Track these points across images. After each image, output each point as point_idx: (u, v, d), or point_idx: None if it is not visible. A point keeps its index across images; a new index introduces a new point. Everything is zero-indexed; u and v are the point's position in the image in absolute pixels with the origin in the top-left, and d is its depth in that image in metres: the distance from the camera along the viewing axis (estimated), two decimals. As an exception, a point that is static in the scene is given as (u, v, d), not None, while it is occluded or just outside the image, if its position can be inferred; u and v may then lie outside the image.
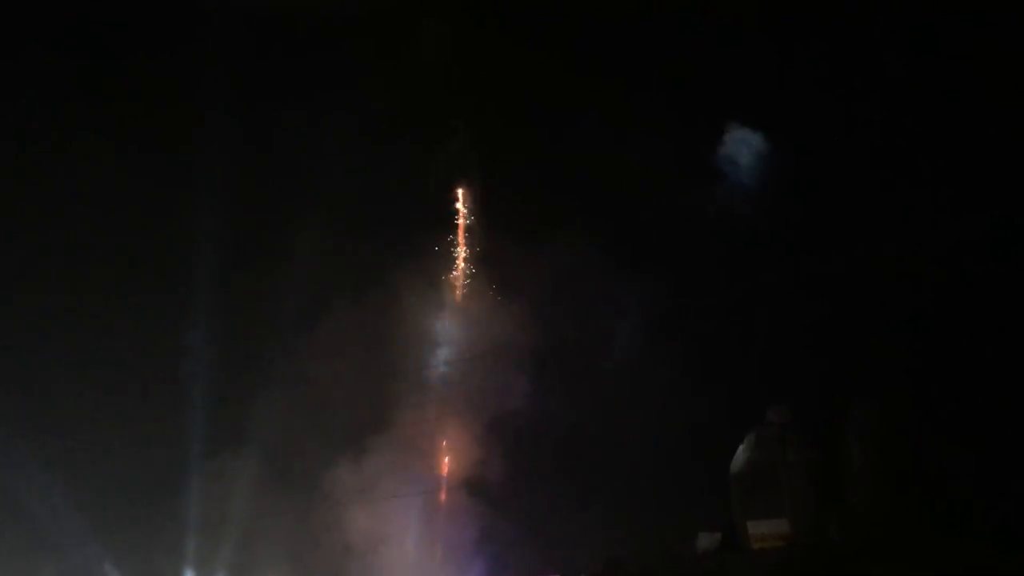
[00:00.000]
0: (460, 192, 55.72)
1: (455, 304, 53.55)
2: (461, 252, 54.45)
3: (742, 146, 52.49)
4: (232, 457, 51.28)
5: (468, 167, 55.58)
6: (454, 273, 54.14)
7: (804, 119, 49.62)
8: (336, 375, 49.74)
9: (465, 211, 55.47)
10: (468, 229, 54.87)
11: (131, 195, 55.99)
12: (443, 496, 50.20)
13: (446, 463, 51.14)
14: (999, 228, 43.07)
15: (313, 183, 54.50)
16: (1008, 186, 44.73)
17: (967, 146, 46.57)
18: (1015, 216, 42.78)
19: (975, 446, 41.62)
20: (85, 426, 52.13)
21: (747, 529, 43.92)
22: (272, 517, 50.37)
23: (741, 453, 45.45)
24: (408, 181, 55.41)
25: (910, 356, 44.22)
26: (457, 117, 55.26)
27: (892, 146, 48.03)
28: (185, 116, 57.01)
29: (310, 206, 53.59)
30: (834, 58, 50.48)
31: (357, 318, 51.04)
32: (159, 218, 56.77)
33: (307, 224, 52.61)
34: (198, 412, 51.60)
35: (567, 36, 55.18)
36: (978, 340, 43.61)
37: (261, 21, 54.12)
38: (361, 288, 51.81)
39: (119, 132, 57.21)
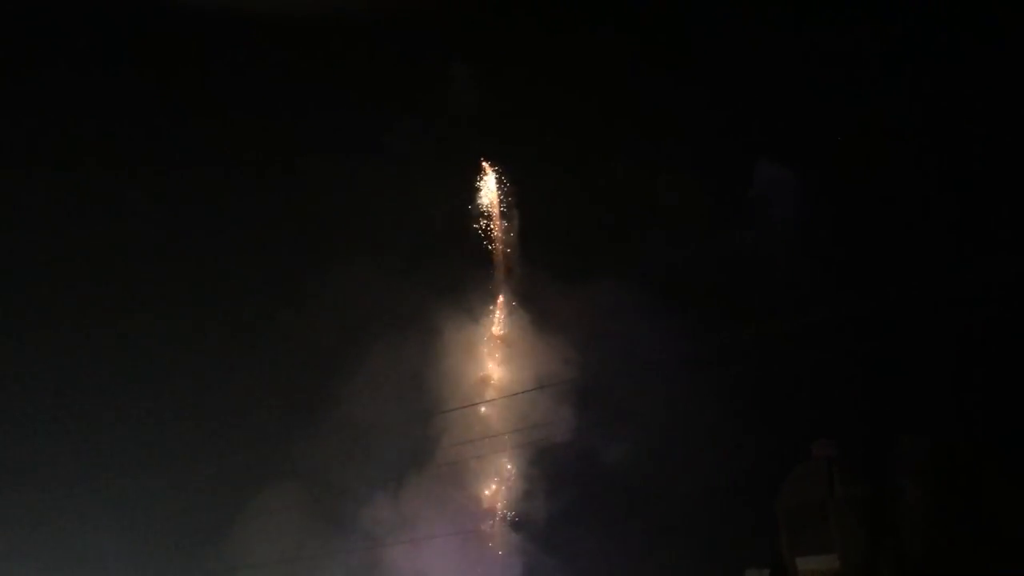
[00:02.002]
0: (498, 225, 55.99)
1: (497, 339, 53.61)
2: (501, 286, 54.63)
3: (782, 182, 52.53)
4: (274, 495, 51.38)
5: (508, 202, 56.13)
6: (496, 308, 54.23)
7: (848, 151, 49.82)
8: (378, 411, 49.85)
9: (504, 247, 55.74)
10: (508, 265, 55.06)
11: (177, 238, 56.88)
12: (488, 533, 49.83)
13: (491, 500, 50.89)
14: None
15: (353, 220, 55.23)
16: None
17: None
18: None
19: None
20: (130, 465, 52.60)
21: (796, 565, 43.26)
22: (314, 556, 50.32)
23: (788, 488, 44.90)
24: (448, 217, 56.17)
25: (961, 388, 43.64)
26: (493, 155, 56.03)
27: (938, 174, 47.75)
28: (227, 160, 58.03)
29: (350, 242, 54.37)
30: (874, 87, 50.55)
31: (398, 353, 51.31)
32: (203, 258, 57.39)
33: (347, 260, 53.23)
34: (240, 450, 51.83)
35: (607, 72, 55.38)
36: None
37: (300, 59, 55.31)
38: (403, 323, 52.16)
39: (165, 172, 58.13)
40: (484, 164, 56.17)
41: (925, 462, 43.05)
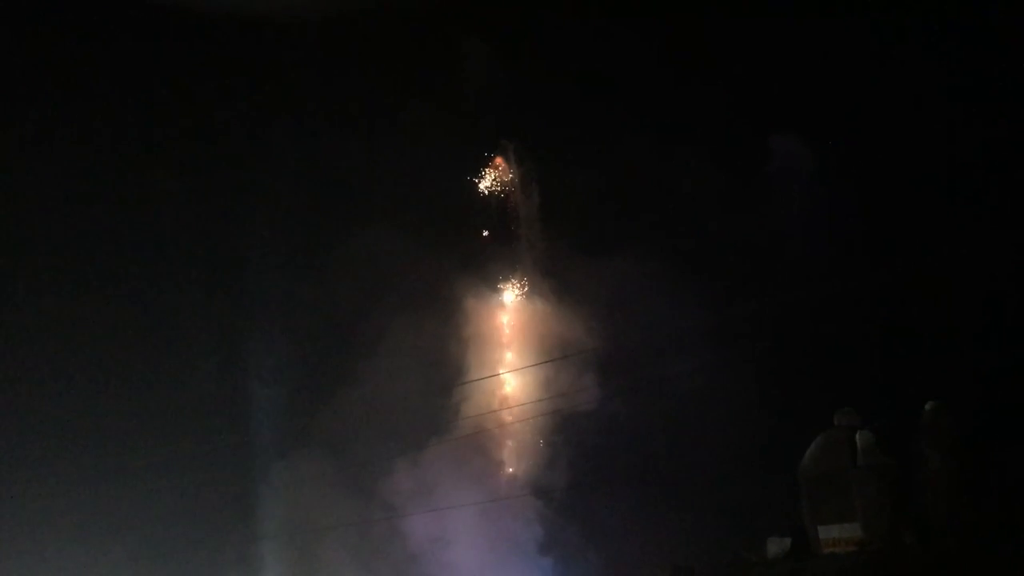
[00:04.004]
0: (517, 199, 56.05)
1: (518, 309, 53.75)
2: (521, 258, 54.74)
3: (800, 154, 52.39)
4: (296, 463, 51.84)
5: (526, 177, 56.13)
6: (516, 279, 54.42)
7: (868, 121, 49.55)
8: (399, 379, 50.19)
9: (524, 220, 55.81)
10: (528, 237, 55.14)
11: (193, 206, 57.23)
12: (508, 500, 50.07)
13: (511, 467, 51.17)
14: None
15: (372, 196, 55.52)
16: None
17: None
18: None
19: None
20: (155, 437, 53.21)
21: (818, 534, 43.22)
22: (336, 524, 50.78)
23: (809, 457, 44.72)
24: (467, 192, 56.31)
25: (984, 356, 43.46)
26: (511, 129, 56.15)
27: (959, 145, 47.46)
28: (241, 132, 58.30)
29: (369, 217, 54.59)
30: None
31: (419, 324, 51.60)
32: (220, 228, 57.79)
33: (366, 235, 53.48)
34: (262, 420, 52.34)
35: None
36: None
37: (328, 30, 55.36)
38: (423, 295, 52.39)
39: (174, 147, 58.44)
40: (503, 140, 56.32)
41: (948, 431, 42.92)
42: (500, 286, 54.17)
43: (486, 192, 55.52)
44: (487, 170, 55.79)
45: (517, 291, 54.20)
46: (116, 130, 59.70)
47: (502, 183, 55.63)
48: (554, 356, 50.03)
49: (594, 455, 49.87)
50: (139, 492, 51.49)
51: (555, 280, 53.38)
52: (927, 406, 43.73)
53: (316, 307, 53.70)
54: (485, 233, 55.08)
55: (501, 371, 51.79)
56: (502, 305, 54.02)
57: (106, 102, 59.65)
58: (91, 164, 57.94)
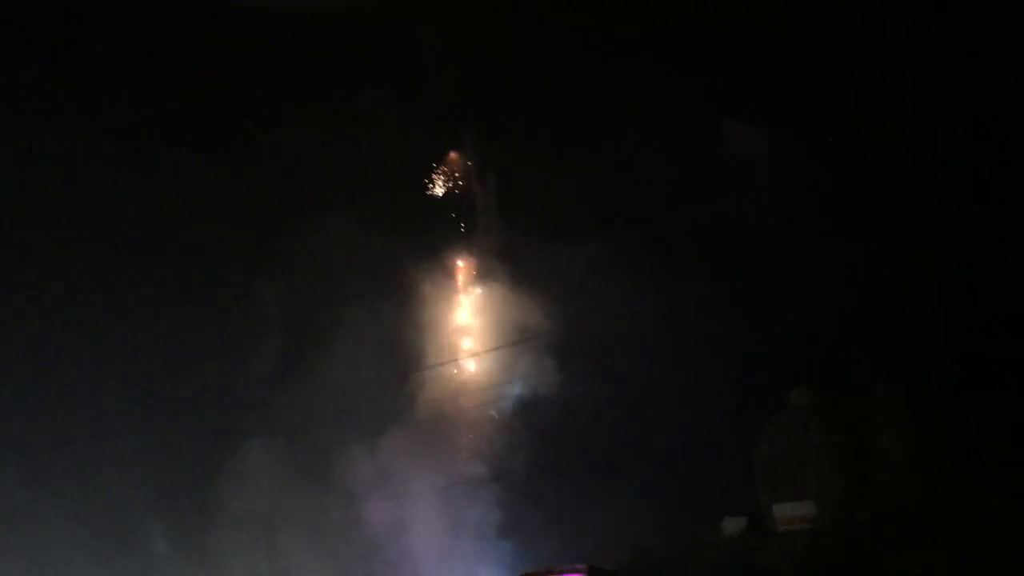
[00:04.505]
0: (473, 186, 56.21)
1: (475, 295, 53.90)
2: (478, 244, 54.92)
3: (756, 141, 52.77)
4: (254, 453, 51.68)
5: (482, 163, 56.25)
6: (472, 265, 54.53)
7: (815, 107, 50.02)
8: (356, 367, 50.11)
9: (480, 207, 55.96)
10: (485, 222, 55.28)
11: (145, 196, 56.67)
12: (467, 485, 50.23)
13: (470, 453, 51.31)
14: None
15: (329, 186, 55.21)
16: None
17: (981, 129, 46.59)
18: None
19: (1006, 426, 41.36)
20: (114, 425, 52.76)
21: (773, 512, 43.79)
22: (295, 512, 50.77)
23: (765, 437, 45.37)
24: (425, 177, 56.35)
25: (934, 335, 44.12)
26: (466, 117, 56.26)
27: (909, 127, 48.04)
28: (195, 116, 57.80)
29: (325, 206, 54.33)
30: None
31: (375, 311, 51.55)
32: (175, 218, 57.23)
33: (322, 224, 53.26)
34: (220, 410, 52.16)
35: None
36: (1006, 317, 43.42)
37: (283, 20, 54.96)
38: (379, 282, 52.38)
39: (127, 131, 57.83)
40: (459, 128, 56.42)
41: (900, 409, 43.64)
42: (457, 272, 54.23)
43: (442, 180, 55.62)
44: (444, 160, 55.93)
45: (474, 277, 54.32)
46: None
47: (458, 172, 55.77)
48: (512, 341, 50.23)
49: (552, 439, 50.07)
50: (94, 485, 51.25)
51: (512, 266, 53.51)
52: (879, 385, 44.67)
53: (272, 296, 53.43)
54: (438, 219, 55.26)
55: (459, 357, 51.92)
56: (459, 291, 54.07)
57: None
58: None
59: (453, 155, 56.18)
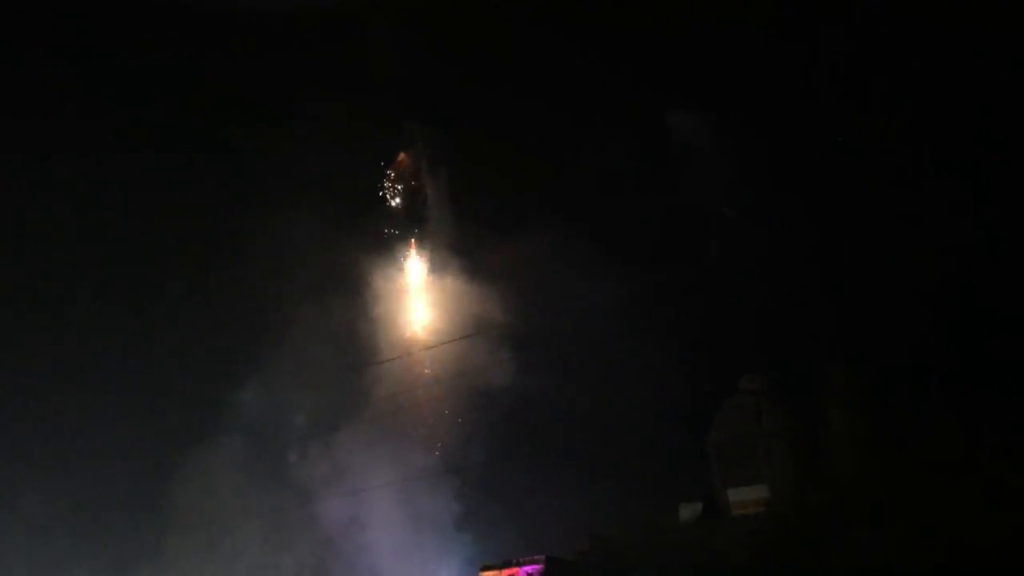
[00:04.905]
0: (424, 182, 56.13)
1: (428, 289, 53.81)
2: (430, 238, 54.84)
3: (702, 129, 53.11)
4: (211, 450, 51.30)
5: (432, 159, 56.18)
6: (424, 259, 54.48)
7: (763, 95, 50.34)
8: (310, 365, 49.92)
9: (431, 201, 55.88)
10: (437, 213, 55.18)
11: (107, 194, 56.16)
12: (425, 479, 50.13)
13: (427, 446, 51.24)
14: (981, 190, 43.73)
15: (280, 184, 54.93)
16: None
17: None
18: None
19: (955, 406, 41.90)
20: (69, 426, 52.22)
21: (728, 497, 44.16)
22: (251, 511, 50.44)
23: (717, 422, 45.67)
24: (377, 172, 56.16)
25: (884, 318, 44.62)
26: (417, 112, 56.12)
27: (857, 109, 48.47)
28: (141, 117, 57.31)
29: (277, 204, 53.98)
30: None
31: (328, 307, 51.35)
32: (133, 217, 56.73)
33: (275, 222, 52.93)
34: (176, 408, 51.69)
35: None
36: (955, 299, 44.00)
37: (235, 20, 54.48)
38: (332, 278, 52.22)
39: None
40: (407, 122, 56.32)
41: (849, 391, 44.12)
42: (409, 266, 54.13)
43: (394, 175, 55.47)
44: (396, 155, 55.77)
45: (427, 271, 54.25)
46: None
47: (410, 166, 55.64)
48: (466, 334, 50.17)
49: (508, 431, 50.19)
50: (41, 488, 50.62)
51: (465, 259, 53.56)
52: (827, 368, 45.17)
53: (224, 292, 52.90)
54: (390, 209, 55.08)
55: (413, 351, 51.79)
56: (412, 285, 53.96)
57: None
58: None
59: (405, 150, 55.84)
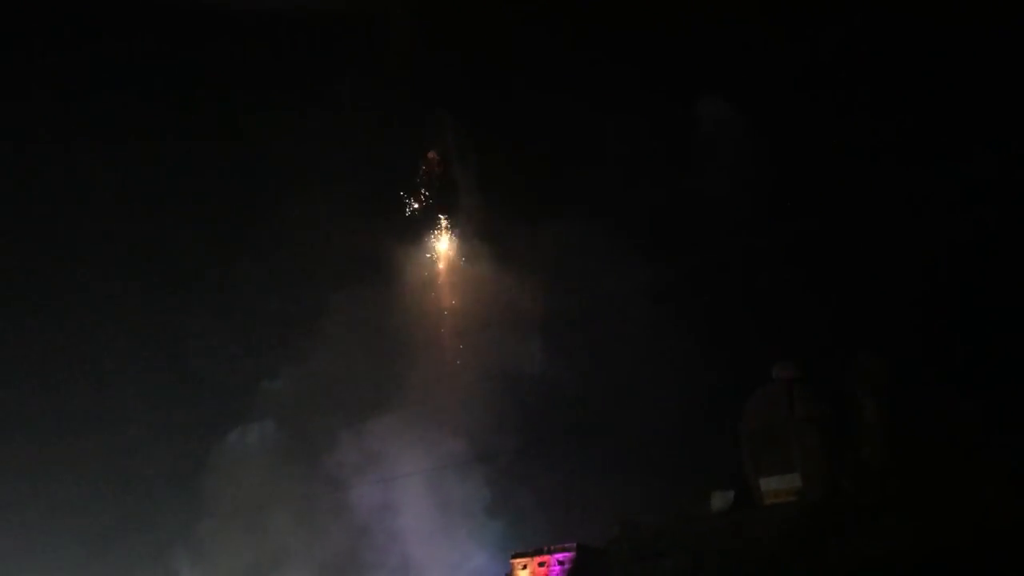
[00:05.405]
0: (454, 169, 56.13)
1: (459, 277, 53.88)
2: (459, 226, 54.91)
3: (730, 118, 52.90)
4: (243, 440, 51.77)
5: (463, 147, 56.11)
6: (455, 248, 54.55)
7: (785, 88, 50.20)
8: (342, 352, 50.20)
9: (461, 189, 55.87)
10: (467, 201, 55.21)
11: (128, 191, 56.73)
12: (457, 467, 50.27)
13: (458, 434, 51.36)
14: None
15: (313, 172, 55.30)
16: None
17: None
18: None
19: (985, 395, 41.55)
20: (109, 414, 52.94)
21: (759, 486, 44.03)
22: (285, 498, 50.89)
23: (749, 411, 45.50)
24: (405, 164, 56.34)
25: (915, 308, 44.29)
26: (443, 103, 56.08)
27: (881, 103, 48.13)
28: (177, 112, 57.67)
29: (309, 192, 54.33)
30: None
31: (361, 296, 51.54)
32: (157, 213, 57.24)
33: (305, 208, 53.24)
34: (209, 399, 52.21)
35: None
36: (986, 291, 43.62)
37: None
38: (364, 267, 52.50)
39: (107, 128, 57.58)
40: (438, 110, 56.27)
41: (881, 378, 43.80)
42: (440, 254, 54.22)
43: (424, 166, 55.53)
44: (426, 147, 55.90)
45: (458, 260, 54.31)
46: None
47: (440, 158, 55.69)
48: (497, 322, 50.24)
49: (540, 419, 50.30)
50: (82, 473, 51.43)
51: (496, 247, 53.58)
52: (859, 355, 44.85)
53: (256, 283, 53.44)
54: (416, 205, 55.07)
55: (445, 339, 51.98)
56: (443, 273, 54.04)
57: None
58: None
59: (434, 141, 55.93)
